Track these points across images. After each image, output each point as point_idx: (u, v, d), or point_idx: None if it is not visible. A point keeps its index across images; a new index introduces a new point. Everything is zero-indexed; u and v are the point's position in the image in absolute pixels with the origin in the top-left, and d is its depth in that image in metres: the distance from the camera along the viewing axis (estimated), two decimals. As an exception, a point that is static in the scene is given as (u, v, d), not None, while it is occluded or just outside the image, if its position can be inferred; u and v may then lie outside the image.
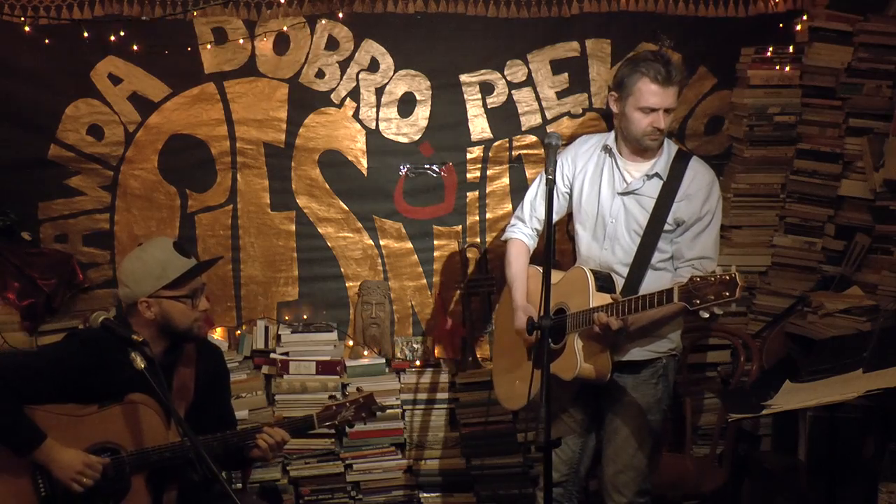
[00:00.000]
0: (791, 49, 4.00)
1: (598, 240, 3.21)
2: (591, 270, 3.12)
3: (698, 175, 3.15)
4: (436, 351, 4.17)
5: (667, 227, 3.12)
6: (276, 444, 2.90)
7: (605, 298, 3.03)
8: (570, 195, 3.32)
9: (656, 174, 3.14)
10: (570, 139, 3.74)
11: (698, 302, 2.72)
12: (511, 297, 3.34)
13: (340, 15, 3.86)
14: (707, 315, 2.74)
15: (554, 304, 3.14)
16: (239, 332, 4.09)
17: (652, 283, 3.12)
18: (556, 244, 3.91)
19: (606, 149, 3.23)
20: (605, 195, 3.19)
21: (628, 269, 3.15)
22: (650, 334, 3.16)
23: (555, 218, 3.30)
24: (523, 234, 3.40)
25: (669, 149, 3.19)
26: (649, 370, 3.21)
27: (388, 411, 3.98)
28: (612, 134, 3.26)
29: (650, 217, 3.13)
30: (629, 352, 3.16)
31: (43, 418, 2.74)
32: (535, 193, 3.39)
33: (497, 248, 4.03)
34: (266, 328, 4.06)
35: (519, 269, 3.35)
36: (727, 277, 2.67)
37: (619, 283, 3.14)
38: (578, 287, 3.12)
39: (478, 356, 4.09)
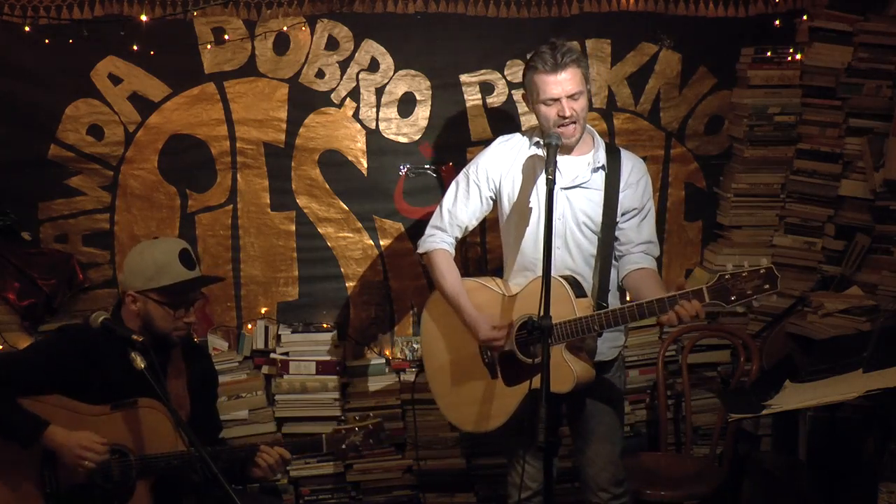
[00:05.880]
0: (791, 49, 4.00)
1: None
2: (563, 277, 3.00)
3: (636, 164, 3.15)
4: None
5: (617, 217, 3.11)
6: (275, 464, 2.84)
7: (585, 305, 2.97)
8: (495, 199, 3.22)
9: (602, 166, 3.10)
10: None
11: (734, 298, 2.74)
12: (460, 313, 3.14)
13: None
14: (742, 309, 2.77)
15: (518, 318, 3.06)
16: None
17: (613, 278, 3.13)
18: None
19: (538, 145, 3.13)
20: (544, 193, 2.98)
21: (592, 269, 3.12)
22: (617, 331, 3.16)
23: (474, 223, 3.27)
24: (445, 243, 3.22)
25: (600, 141, 3.17)
26: (615, 364, 3.23)
27: (388, 411, 3.98)
28: (537, 130, 3.17)
29: (604, 210, 3.08)
30: (602, 353, 3.14)
31: (52, 413, 2.74)
32: (452, 199, 3.23)
33: (497, 248, 4.02)
34: (266, 328, 4.06)
35: (457, 282, 3.18)
36: (762, 271, 2.72)
37: (584, 284, 3.06)
38: (553, 297, 2.84)
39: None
